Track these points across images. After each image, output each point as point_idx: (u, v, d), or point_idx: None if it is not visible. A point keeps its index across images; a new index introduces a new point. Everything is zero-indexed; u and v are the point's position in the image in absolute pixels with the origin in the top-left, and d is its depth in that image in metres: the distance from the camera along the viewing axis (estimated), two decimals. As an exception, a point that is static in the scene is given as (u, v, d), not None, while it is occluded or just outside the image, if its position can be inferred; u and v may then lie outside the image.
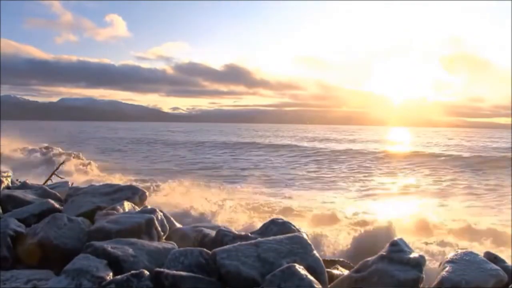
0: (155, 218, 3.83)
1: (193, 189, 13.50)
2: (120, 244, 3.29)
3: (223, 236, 3.72)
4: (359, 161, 25.59)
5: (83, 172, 19.55)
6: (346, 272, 3.51)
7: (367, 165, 24.52)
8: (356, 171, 21.96)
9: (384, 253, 3.08)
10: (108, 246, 3.19)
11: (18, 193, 4.94)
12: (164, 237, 3.91)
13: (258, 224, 5.59)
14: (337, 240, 8.16)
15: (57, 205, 4.48)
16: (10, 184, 5.95)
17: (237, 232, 3.90)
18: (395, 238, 3.22)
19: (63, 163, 10.88)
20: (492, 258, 3.16)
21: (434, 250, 7.02)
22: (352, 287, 3.01)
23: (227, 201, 11.36)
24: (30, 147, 26.45)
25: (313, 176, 20.20)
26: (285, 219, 4.09)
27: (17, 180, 6.93)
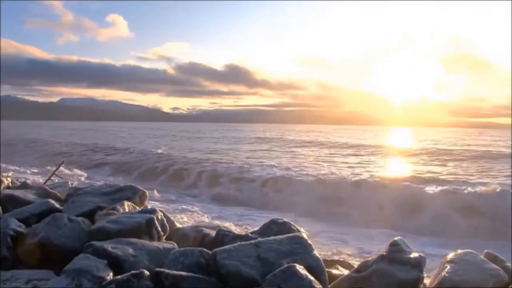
0: (155, 218, 3.83)
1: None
2: (120, 244, 3.29)
3: (223, 236, 3.72)
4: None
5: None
6: (346, 272, 3.51)
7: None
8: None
9: (384, 253, 3.08)
10: (108, 246, 3.20)
11: (19, 193, 4.94)
12: (164, 237, 3.91)
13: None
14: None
15: (57, 205, 4.49)
16: (10, 184, 5.96)
17: (237, 232, 3.90)
18: (395, 238, 3.22)
19: (63, 163, 10.87)
20: (492, 258, 3.16)
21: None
22: (352, 287, 3.01)
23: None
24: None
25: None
26: (286, 219, 4.09)
27: (17, 180, 6.94)
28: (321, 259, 3.14)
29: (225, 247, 3.12)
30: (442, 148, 26.17)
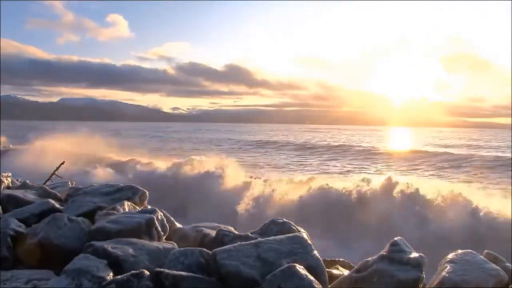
0: (155, 218, 3.83)
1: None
2: (120, 244, 3.29)
3: (223, 236, 3.72)
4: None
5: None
6: (346, 272, 3.51)
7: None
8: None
9: (385, 253, 3.08)
10: (108, 246, 3.19)
11: (19, 193, 4.94)
12: (164, 237, 3.91)
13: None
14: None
15: (57, 205, 4.48)
16: (10, 184, 5.96)
17: (237, 232, 3.90)
18: (395, 238, 3.22)
19: (63, 163, 10.85)
20: (492, 258, 3.16)
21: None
22: (352, 287, 3.01)
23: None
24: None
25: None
26: (285, 219, 4.09)
27: (17, 180, 6.94)
28: (321, 259, 3.14)
29: (225, 247, 3.12)
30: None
